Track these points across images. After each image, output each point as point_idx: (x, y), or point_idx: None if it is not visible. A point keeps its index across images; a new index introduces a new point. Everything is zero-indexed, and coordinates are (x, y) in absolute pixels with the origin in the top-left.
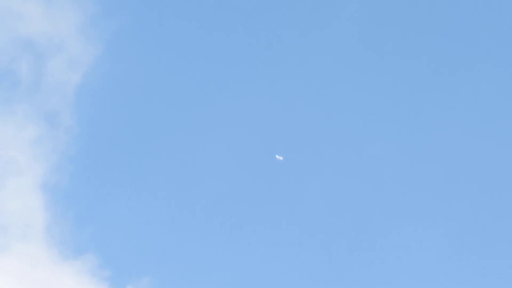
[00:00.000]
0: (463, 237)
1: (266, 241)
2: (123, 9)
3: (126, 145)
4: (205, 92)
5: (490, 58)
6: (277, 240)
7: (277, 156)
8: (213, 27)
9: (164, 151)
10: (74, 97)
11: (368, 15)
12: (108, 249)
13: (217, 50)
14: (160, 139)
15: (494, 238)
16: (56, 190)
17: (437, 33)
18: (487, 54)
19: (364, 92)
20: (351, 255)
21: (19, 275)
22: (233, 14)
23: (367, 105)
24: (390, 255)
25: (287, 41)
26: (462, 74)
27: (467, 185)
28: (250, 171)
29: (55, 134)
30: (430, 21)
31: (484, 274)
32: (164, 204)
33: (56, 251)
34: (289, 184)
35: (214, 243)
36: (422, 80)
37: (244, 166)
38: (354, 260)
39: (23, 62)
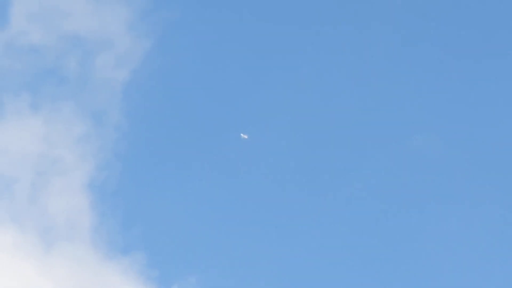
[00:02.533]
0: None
1: (316, 239)
2: (171, 4)
3: (175, 143)
4: (255, 87)
5: None
6: (326, 238)
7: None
8: (265, 20)
9: (214, 148)
10: (122, 94)
11: (408, 6)
12: (156, 248)
13: (269, 44)
14: (211, 135)
15: None
16: (103, 189)
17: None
18: None
19: (406, 83)
20: (399, 249)
21: (65, 275)
22: (286, 5)
23: (410, 95)
24: (436, 248)
25: (323, 30)
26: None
27: None
28: (297, 167)
29: (102, 132)
30: (471, 14)
31: None
32: (214, 202)
33: (103, 250)
34: (335, 179)
35: (263, 242)
36: (468, 68)
37: (290, 162)
38: (404, 256)
39: (71, 59)
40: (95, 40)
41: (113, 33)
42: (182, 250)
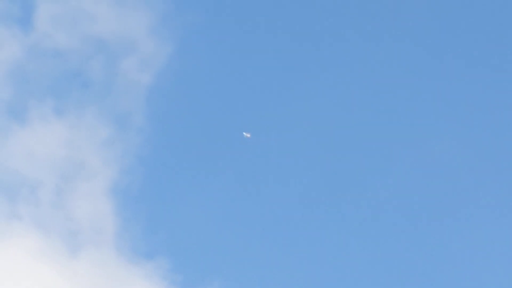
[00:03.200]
0: None
1: (336, 246)
2: (194, 7)
3: (199, 146)
4: (278, 91)
5: None
6: (346, 245)
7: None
8: (287, 25)
9: (238, 152)
10: (145, 97)
11: (430, 13)
12: (179, 253)
13: (291, 48)
14: (234, 139)
15: None
16: (127, 193)
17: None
18: None
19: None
20: (419, 257)
21: (90, 279)
22: (310, 11)
23: (433, 100)
24: (461, 255)
25: (349, 38)
26: None
27: None
28: (318, 172)
29: (126, 136)
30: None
31: None
32: (237, 206)
33: (127, 255)
34: (358, 183)
35: (286, 247)
36: (491, 74)
37: (312, 166)
38: (425, 264)
39: (94, 62)
40: (118, 43)
41: (136, 36)
42: (205, 255)
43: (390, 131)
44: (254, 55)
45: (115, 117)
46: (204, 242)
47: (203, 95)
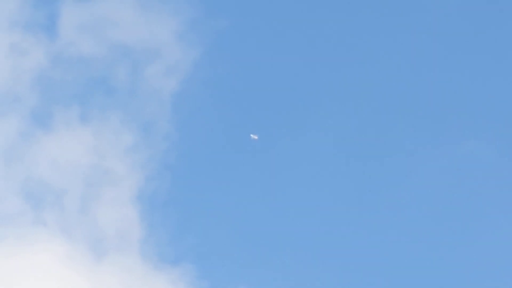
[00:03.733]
0: None
1: (371, 247)
2: (221, 13)
3: (225, 153)
4: (307, 96)
5: None
6: (383, 242)
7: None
8: (314, 30)
9: (265, 158)
10: (171, 104)
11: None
12: (206, 259)
13: (321, 54)
14: (261, 144)
15: None
16: (153, 200)
17: None
18: None
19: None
20: (452, 257)
21: (115, 286)
22: (334, 15)
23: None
24: (490, 258)
25: (372, 37)
26: None
27: None
28: (345, 175)
29: (152, 142)
30: None
31: None
32: (264, 212)
33: (153, 262)
34: (385, 185)
35: (312, 252)
36: None
37: (338, 170)
38: (458, 265)
39: (119, 69)
40: (144, 50)
41: (162, 42)
42: (232, 261)
43: (418, 131)
44: (281, 61)
45: (140, 124)
46: (230, 248)
47: (228, 101)
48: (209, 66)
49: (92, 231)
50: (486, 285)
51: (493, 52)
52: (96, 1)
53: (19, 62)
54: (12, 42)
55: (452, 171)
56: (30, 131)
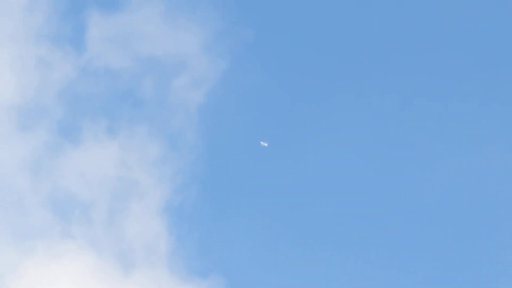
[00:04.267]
0: None
1: (388, 262)
2: (246, 25)
3: (252, 164)
4: (333, 108)
5: None
6: (395, 258)
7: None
8: (340, 40)
9: (291, 169)
10: (198, 115)
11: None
12: (233, 272)
13: (346, 63)
14: (287, 157)
15: None
16: (180, 212)
17: None
18: None
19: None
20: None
21: None
22: (359, 26)
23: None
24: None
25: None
26: None
27: None
28: (368, 186)
29: (178, 154)
30: None
31: None
32: (292, 225)
33: (181, 274)
34: (410, 193)
35: (340, 263)
36: None
37: (361, 182)
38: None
39: (146, 81)
40: (170, 62)
41: (188, 54)
42: (260, 273)
43: (448, 136)
44: (306, 72)
45: (167, 136)
46: (258, 259)
47: (254, 112)
48: (235, 77)
49: (120, 243)
50: None
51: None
52: (122, 14)
53: (46, 75)
54: (40, 55)
55: (477, 177)
56: (58, 144)
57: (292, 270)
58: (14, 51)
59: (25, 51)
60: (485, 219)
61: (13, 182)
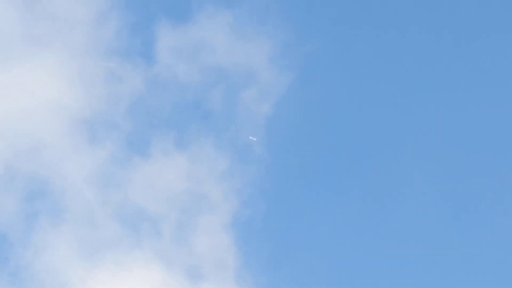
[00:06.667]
0: None
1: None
2: (313, 37)
3: (321, 176)
4: (399, 121)
5: None
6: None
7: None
8: (403, 54)
9: (360, 182)
10: (266, 127)
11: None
12: (304, 287)
13: (410, 71)
14: (357, 169)
15: None
16: (248, 226)
17: None
18: None
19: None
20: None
21: None
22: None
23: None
24: None
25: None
26: None
27: None
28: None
29: (246, 167)
30: None
31: None
32: (362, 238)
33: None
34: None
35: (412, 277)
36: None
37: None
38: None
39: (214, 93)
40: (238, 73)
41: (256, 66)
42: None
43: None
44: (373, 84)
45: (235, 148)
46: (328, 275)
47: (323, 124)
48: (303, 89)
49: (188, 256)
50: None
51: None
52: (191, 26)
53: (116, 88)
54: (109, 68)
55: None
56: (127, 156)
57: (364, 284)
58: (84, 65)
59: (94, 64)
60: None
61: (82, 194)
